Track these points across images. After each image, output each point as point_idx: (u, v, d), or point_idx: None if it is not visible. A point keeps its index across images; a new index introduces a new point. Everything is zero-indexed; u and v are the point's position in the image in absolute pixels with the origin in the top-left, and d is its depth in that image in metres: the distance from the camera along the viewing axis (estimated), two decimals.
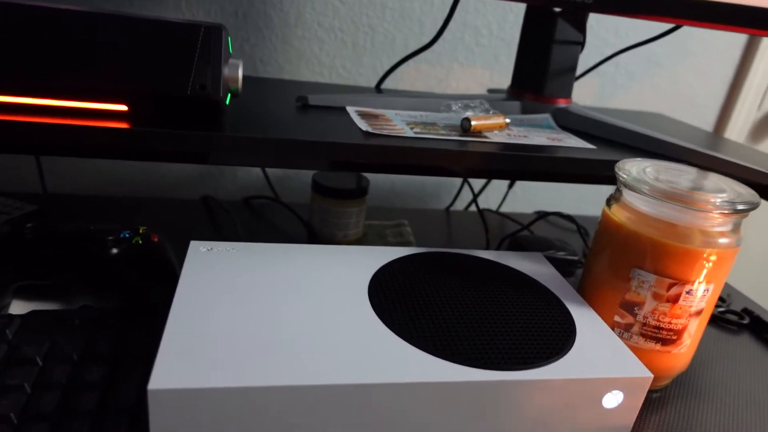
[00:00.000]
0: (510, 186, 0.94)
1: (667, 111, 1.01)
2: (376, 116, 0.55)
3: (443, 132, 0.53)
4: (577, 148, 0.53)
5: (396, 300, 0.41)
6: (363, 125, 0.51)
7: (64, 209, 0.67)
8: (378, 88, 0.72)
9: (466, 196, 0.96)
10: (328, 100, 0.57)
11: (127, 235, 0.47)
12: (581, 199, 1.03)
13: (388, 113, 0.57)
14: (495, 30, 0.87)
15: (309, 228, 0.64)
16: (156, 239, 0.49)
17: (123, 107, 0.44)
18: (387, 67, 0.86)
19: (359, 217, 0.63)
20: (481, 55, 0.88)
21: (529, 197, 1.00)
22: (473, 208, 0.94)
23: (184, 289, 0.38)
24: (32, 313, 0.39)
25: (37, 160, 0.72)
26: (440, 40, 0.86)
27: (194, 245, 0.45)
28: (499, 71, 0.90)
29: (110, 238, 0.46)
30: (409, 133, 0.50)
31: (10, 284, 0.43)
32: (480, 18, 0.86)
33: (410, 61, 0.86)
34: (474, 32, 0.86)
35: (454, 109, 0.55)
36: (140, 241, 0.48)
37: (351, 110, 0.56)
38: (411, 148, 0.48)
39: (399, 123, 0.54)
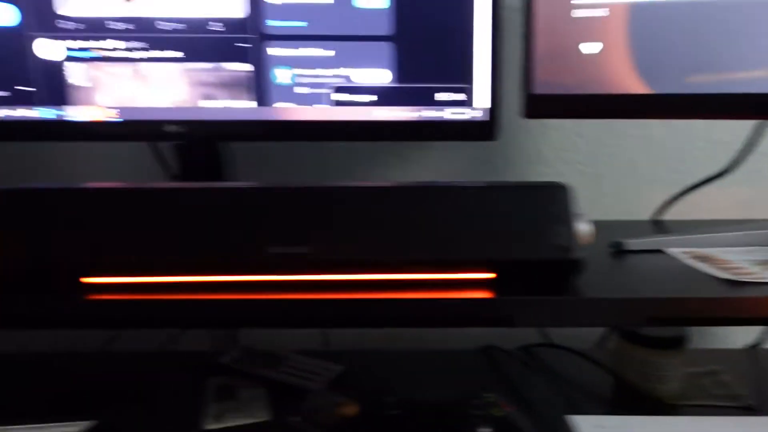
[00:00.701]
0: None
1: None
2: (709, 258, 0.50)
3: None
4: None
5: None
6: (717, 272, 0.46)
7: (351, 366, 0.67)
8: (655, 221, 0.68)
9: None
10: (645, 244, 0.53)
11: (480, 410, 0.45)
12: None
13: (717, 252, 0.52)
14: (758, 146, 0.81)
15: (620, 381, 0.58)
16: (507, 407, 0.46)
17: (486, 275, 0.44)
18: (630, 196, 0.83)
19: (682, 368, 0.56)
20: (740, 175, 0.82)
21: None
22: None
23: None
24: None
25: None
26: (688, 162, 0.82)
27: (580, 421, 0.41)
28: (763, 190, 0.82)
29: (477, 413, 0.44)
30: None
31: None
32: (728, 133, 0.81)
33: (655, 185, 0.82)
34: (724, 147, 0.81)
35: None
36: (499, 414, 0.45)
37: (676, 252, 0.52)
38: None
39: (742, 263, 0.48)
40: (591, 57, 0.53)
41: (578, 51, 0.53)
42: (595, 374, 0.64)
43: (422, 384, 0.52)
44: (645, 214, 0.83)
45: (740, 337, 0.84)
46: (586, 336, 0.86)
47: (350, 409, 0.55)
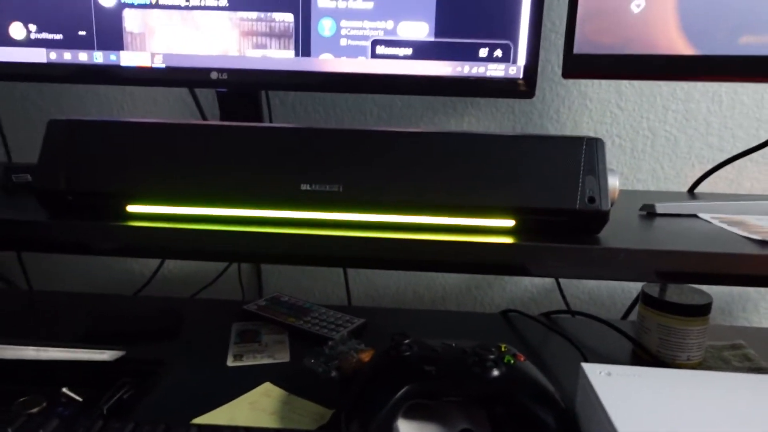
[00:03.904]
0: None
1: None
2: (741, 223, 0.49)
3: None
4: None
5: None
6: (745, 233, 0.45)
7: (373, 320, 0.69)
8: (691, 192, 0.67)
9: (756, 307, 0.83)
10: (677, 208, 0.53)
11: (495, 355, 0.46)
12: None
13: (753, 219, 0.51)
14: None
15: (641, 348, 0.58)
16: (522, 358, 0.47)
17: (510, 222, 0.44)
18: (668, 171, 0.81)
19: (704, 336, 0.56)
20: None
21: None
22: None
23: (624, 428, 0.34)
24: None
25: (344, 273, 0.77)
26: (730, 138, 0.79)
27: (589, 369, 0.42)
28: None
29: (491, 357, 0.44)
30: None
31: (405, 403, 0.43)
32: None
33: (695, 161, 0.80)
34: None
35: None
36: (512, 361, 0.46)
37: (708, 217, 0.51)
38: None
39: None
40: (635, 16, 0.52)
41: (623, 9, 0.52)
42: (616, 342, 0.64)
43: (441, 337, 0.53)
44: (682, 190, 0.82)
45: None
46: (611, 308, 0.86)
47: (369, 356, 0.56)
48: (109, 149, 0.45)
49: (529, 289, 0.86)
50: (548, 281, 0.85)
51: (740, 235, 0.45)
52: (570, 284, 0.85)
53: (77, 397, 0.51)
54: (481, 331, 0.67)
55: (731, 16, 0.51)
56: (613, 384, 0.39)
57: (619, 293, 0.85)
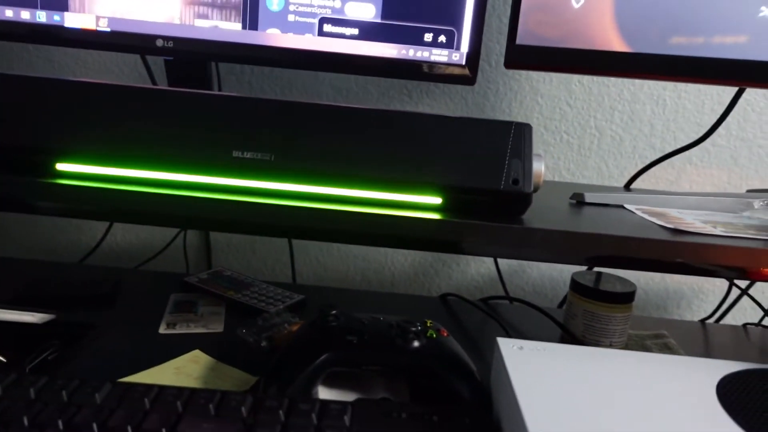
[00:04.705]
0: None
1: None
2: (663, 215, 0.52)
3: (752, 232, 0.48)
4: None
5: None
6: (661, 222, 0.48)
7: (313, 297, 0.69)
8: (627, 188, 0.69)
9: (708, 304, 0.86)
10: (605, 198, 0.55)
11: (419, 328, 0.47)
12: None
13: (674, 212, 0.53)
14: (734, 130, 0.82)
15: (567, 332, 0.60)
16: (446, 333, 0.48)
17: (437, 200, 0.45)
18: (612, 169, 0.84)
19: (626, 323, 0.58)
20: (717, 156, 0.83)
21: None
22: (728, 320, 0.83)
23: (525, 396, 0.36)
24: (362, 402, 0.39)
25: (290, 252, 0.77)
26: (671, 140, 0.83)
27: (503, 342, 0.43)
28: (737, 173, 0.83)
29: (413, 329, 0.45)
30: (718, 233, 0.46)
31: (325, 369, 0.44)
32: (716, 117, 0.81)
33: (638, 161, 0.83)
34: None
35: (756, 207, 0.50)
36: (434, 335, 0.47)
37: (632, 208, 0.53)
38: (730, 248, 0.43)
39: (695, 221, 0.50)
40: (575, 11, 0.54)
41: (564, 4, 0.54)
42: (548, 328, 0.66)
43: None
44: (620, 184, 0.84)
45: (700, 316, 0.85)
46: (553, 299, 0.88)
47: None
48: (39, 105, 0.44)
49: (474, 278, 0.88)
50: (493, 271, 0.87)
51: (657, 224, 0.47)
52: (515, 275, 0.87)
53: (1, 358, 0.51)
54: (418, 312, 0.68)
55: (663, 17, 0.53)
56: (523, 357, 0.41)
57: (560, 285, 0.88)
